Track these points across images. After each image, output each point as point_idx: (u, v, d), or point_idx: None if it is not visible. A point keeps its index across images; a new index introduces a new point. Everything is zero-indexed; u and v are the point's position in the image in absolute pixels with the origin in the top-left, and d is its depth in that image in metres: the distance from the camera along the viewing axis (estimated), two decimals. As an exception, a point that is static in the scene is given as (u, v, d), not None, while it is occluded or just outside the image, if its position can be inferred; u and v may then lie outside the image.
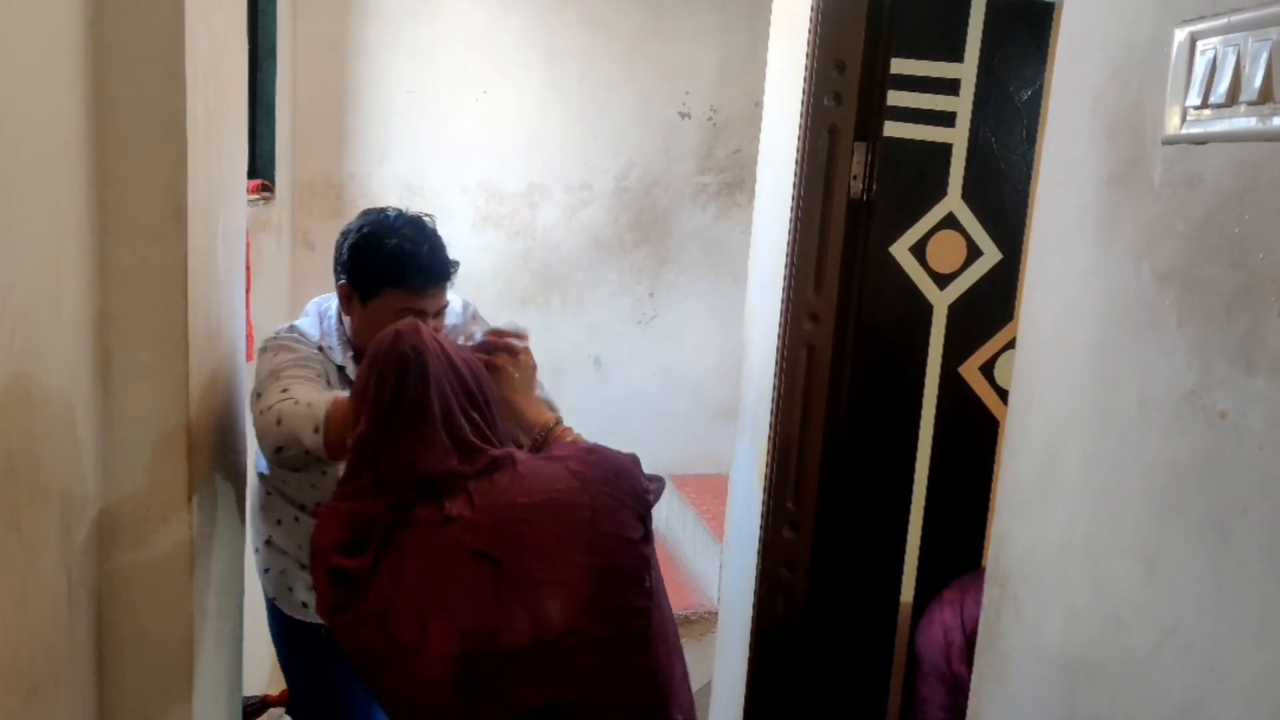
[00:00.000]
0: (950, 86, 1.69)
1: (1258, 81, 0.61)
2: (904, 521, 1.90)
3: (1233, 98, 0.64)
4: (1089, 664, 0.79)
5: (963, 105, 1.69)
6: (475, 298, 3.38)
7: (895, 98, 1.67)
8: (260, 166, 2.67)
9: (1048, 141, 0.88)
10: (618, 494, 1.37)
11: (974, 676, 0.97)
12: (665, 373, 3.51)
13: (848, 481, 1.90)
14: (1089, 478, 0.80)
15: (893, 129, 1.68)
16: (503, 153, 3.29)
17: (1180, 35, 0.69)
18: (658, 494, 1.46)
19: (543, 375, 3.52)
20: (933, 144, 1.70)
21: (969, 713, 0.98)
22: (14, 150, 1.10)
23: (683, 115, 3.35)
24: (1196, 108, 0.67)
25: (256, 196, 2.51)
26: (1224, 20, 0.65)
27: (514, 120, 3.28)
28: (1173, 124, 0.70)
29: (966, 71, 1.70)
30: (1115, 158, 0.77)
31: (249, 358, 2.15)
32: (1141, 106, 0.74)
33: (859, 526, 1.91)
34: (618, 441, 3.42)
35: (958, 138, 1.69)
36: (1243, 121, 0.63)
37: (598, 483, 1.37)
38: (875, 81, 1.63)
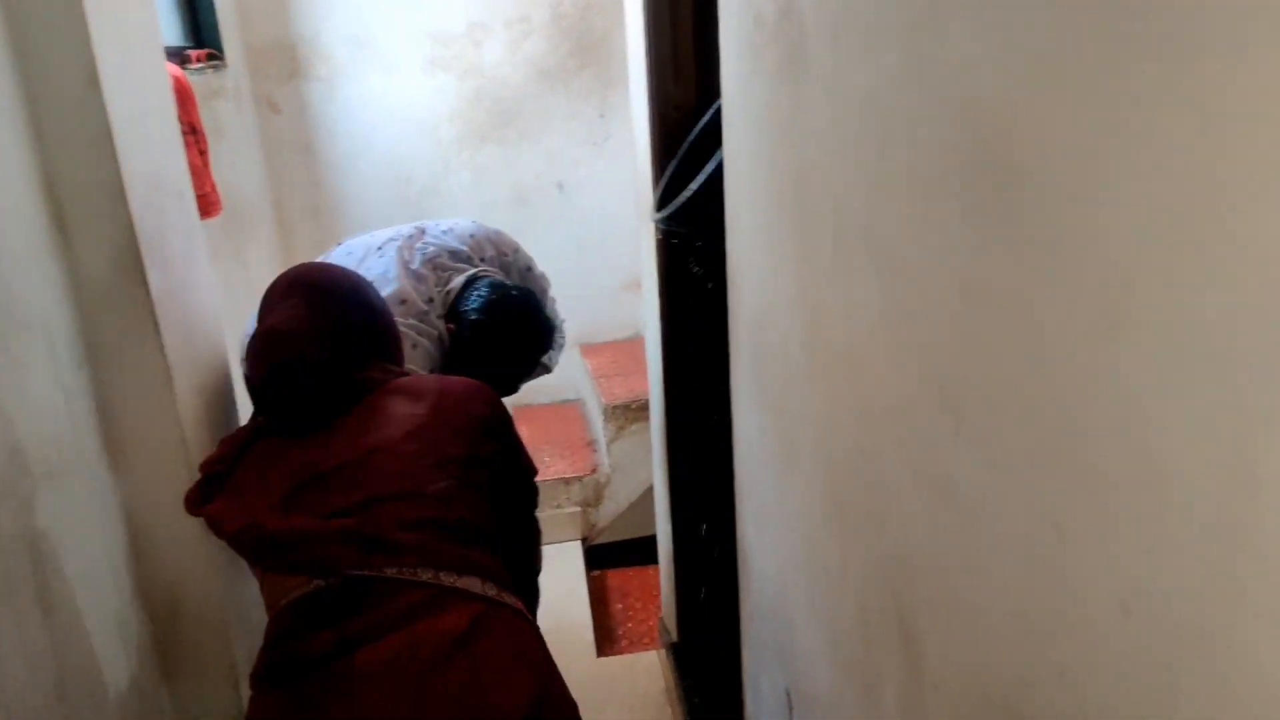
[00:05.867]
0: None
1: None
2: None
3: None
4: (757, 323, 1.05)
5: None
6: (436, 140, 3.60)
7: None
8: (205, 36, 2.87)
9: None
10: (467, 391, 1.52)
11: (731, 349, 1.22)
12: (624, 189, 3.72)
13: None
14: (749, 181, 1.04)
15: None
16: (440, -4, 3.44)
17: None
18: None
19: (509, 206, 3.74)
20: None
21: (731, 369, 1.23)
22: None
23: (602, -64, 3.45)
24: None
25: (204, 65, 2.73)
26: None
27: (445, -38, 3.41)
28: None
29: None
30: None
31: (213, 213, 2.42)
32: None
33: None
34: (592, 258, 3.78)
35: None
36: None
37: (449, 381, 1.55)
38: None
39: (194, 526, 1.86)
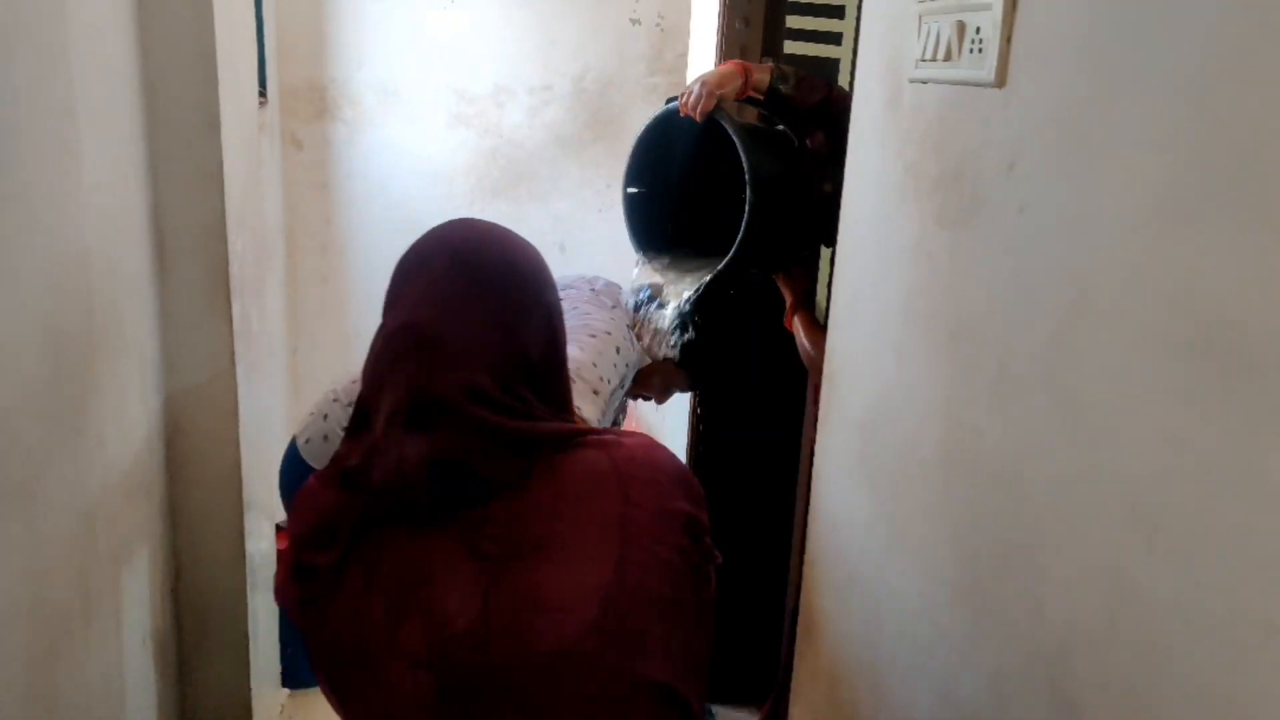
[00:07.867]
0: (837, 11, 2.02)
1: (943, 46, 0.98)
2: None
3: (935, 54, 1.01)
4: (871, 423, 1.20)
5: (847, 27, 2.03)
6: (450, 192, 3.72)
7: (793, 21, 2.00)
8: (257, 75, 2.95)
9: (857, 73, 1.25)
10: (662, 510, 1.03)
11: (818, 438, 1.37)
12: (623, 254, 3.88)
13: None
14: (873, 299, 1.20)
15: (791, 47, 2.02)
16: (470, 57, 3.57)
17: (918, 10, 1.06)
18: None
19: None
20: (824, 59, 2.04)
21: (816, 456, 1.37)
22: (82, 78, 1.43)
23: (633, 22, 3.64)
24: (923, 60, 1.04)
25: (251, 102, 2.81)
26: (939, 3, 1.02)
27: (480, 27, 3.56)
28: (912, 70, 1.07)
29: (849, -2, 2.03)
30: (888, 89, 1.15)
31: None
32: (900, 55, 1.11)
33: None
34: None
35: (844, 54, 2.04)
36: (940, 70, 1.00)
37: (640, 485, 1.03)
38: (777, 7, 1.97)
39: (232, 554, 1.92)
